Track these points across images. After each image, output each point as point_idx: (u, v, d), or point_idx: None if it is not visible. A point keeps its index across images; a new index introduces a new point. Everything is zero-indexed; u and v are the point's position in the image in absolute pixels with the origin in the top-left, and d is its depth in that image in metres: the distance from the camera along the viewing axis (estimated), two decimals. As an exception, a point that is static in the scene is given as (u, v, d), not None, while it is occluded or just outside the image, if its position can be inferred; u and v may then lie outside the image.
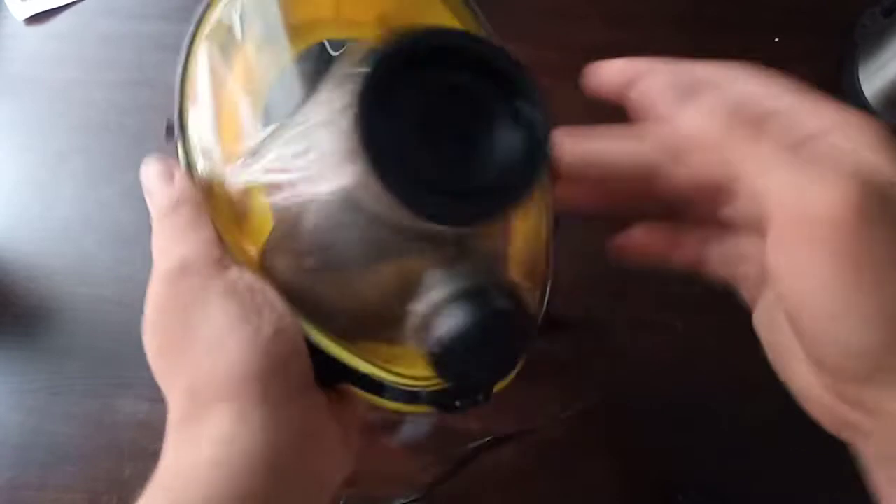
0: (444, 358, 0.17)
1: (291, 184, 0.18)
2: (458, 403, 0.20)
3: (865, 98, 0.39)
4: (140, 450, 0.34)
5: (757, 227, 0.16)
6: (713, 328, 0.33)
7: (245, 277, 0.18)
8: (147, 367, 0.37)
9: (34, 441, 0.34)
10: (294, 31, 0.21)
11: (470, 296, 0.17)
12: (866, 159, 0.15)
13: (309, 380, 0.18)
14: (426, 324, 0.17)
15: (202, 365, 0.17)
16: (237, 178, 0.20)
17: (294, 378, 0.17)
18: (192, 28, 0.23)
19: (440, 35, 0.17)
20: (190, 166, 0.21)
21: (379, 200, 0.16)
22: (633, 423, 0.34)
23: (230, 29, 0.22)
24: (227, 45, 0.22)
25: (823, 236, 0.14)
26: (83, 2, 0.41)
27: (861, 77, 0.39)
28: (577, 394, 0.34)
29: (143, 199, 0.40)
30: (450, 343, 0.17)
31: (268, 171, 0.19)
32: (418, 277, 0.18)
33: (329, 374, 0.19)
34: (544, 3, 0.41)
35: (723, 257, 0.19)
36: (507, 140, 0.17)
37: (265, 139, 0.20)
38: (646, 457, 0.34)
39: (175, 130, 0.22)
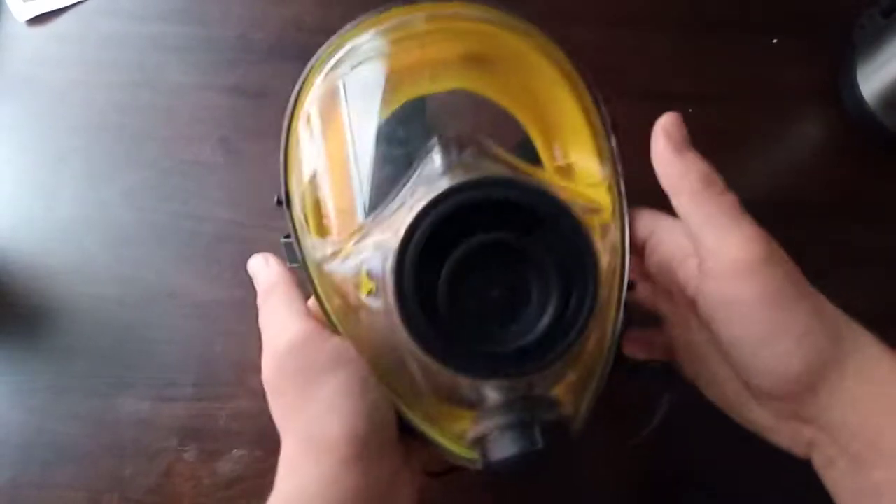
0: (491, 469, 0.20)
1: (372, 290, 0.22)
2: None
3: (863, 99, 0.39)
4: (141, 449, 0.34)
5: (677, 319, 0.24)
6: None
7: (345, 349, 0.22)
8: (148, 368, 0.37)
9: (36, 440, 0.34)
10: (389, 85, 0.24)
11: (516, 429, 0.19)
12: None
13: (395, 437, 0.23)
14: (479, 441, 0.21)
15: (318, 422, 0.21)
16: (337, 267, 0.24)
17: (386, 438, 0.22)
18: (290, 103, 0.24)
19: (491, 188, 0.18)
20: (297, 237, 0.24)
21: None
22: (634, 421, 0.34)
23: (332, 94, 0.24)
24: (326, 111, 0.24)
25: (743, 273, 0.20)
26: (85, 3, 0.41)
27: (859, 78, 0.39)
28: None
29: (144, 200, 0.41)
30: (496, 466, 0.20)
31: (355, 269, 0.23)
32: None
33: (403, 429, 0.23)
34: (545, 5, 0.42)
35: (661, 347, 0.26)
36: (547, 300, 0.18)
37: (358, 236, 0.23)
38: (648, 455, 0.34)
39: (283, 203, 0.25)
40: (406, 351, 0.21)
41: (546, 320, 0.19)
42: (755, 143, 0.40)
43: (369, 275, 0.22)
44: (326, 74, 0.24)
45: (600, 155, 0.25)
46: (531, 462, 0.19)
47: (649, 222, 0.24)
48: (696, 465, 0.34)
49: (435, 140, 0.23)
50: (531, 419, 0.20)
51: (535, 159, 0.24)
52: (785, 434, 0.22)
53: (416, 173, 0.22)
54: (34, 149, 0.39)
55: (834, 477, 0.21)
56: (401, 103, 0.24)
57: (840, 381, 0.20)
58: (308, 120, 0.24)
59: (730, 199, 0.21)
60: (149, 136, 0.39)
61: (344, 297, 0.24)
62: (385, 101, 0.24)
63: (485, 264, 0.18)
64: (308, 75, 0.24)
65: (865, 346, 0.20)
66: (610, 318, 0.23)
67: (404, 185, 0.23)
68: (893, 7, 0.39)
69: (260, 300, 0.25)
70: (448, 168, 0.21)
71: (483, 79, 0.25)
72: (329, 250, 0.24)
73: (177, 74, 0.40)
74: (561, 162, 0.25)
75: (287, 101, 0.25)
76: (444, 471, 0.33)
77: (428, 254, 0.17)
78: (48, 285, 0.36)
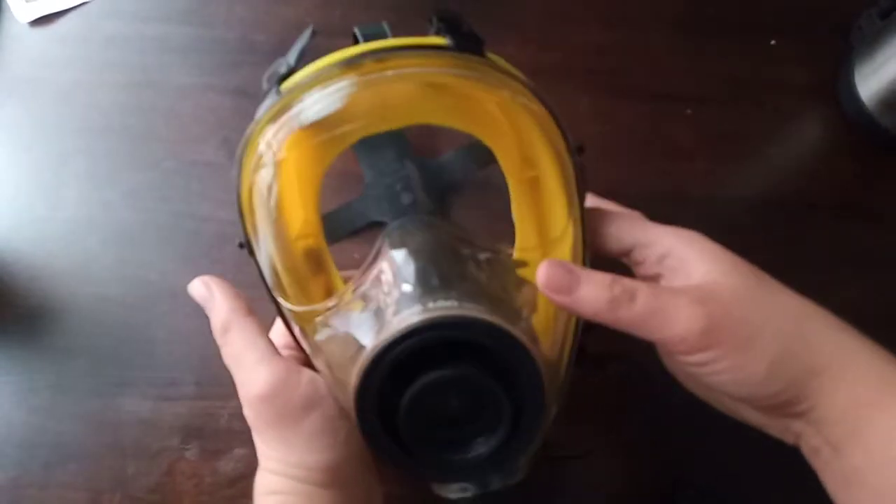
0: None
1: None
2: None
3: (861, 100, 0.39)
4: (143, 448, 0.34)
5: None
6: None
7: (315, 390, 0.23)
8: (150, 367, 0.37)
9: (37, 440, 0.34)
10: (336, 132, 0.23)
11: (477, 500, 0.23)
12: (696, 271, 0.22)
13: (368, 461, 0.24)
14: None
15: (297, 455, 0.23)
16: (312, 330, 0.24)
17: (358, 464, 0.24)
18: (238, 152, 0.24)
19: (450, 329, 0.19)
20: (264, 279, 0.25)
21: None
22: (632, 422, 0.34)
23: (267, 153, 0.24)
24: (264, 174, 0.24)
25: (693, 348, 0.21)
26: (87, 4, 0.41)
27: (857, 79, 0.40)
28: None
29: (146, 200, 0.41)
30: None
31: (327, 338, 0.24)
32: None
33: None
34: (546, 6, 0.42)
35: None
36: (499, 420, 0.20)
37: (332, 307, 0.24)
38: (645, 457, 0.34)
39: (246, 248, 0.25)
40: None
41: (493, 442, 0.21)
42: (753, 144, 0.40)
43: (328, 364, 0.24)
44: (270, 132, 0.23)
45: (568, 197, 0.24)
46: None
47: (628, 235, 0.24)
48: (693, 465, 0.34)
49: (387, 239, 0.24)
50: (485, 494, 0.23)
51: (489, 160, 0.25)
52: (774, 427, 0.24)
53: (369, 273, 0.23)
54: (37, 149, 0.39)
55: (819, 463, 0.22)
56: (350, 144, 0.24)
57: (821, 383, 0.21)
58: (254, 184, 0.24)
59: (640, 301, 0.21)
60: (151, 137, 0.39)
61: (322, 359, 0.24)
62: (333, 145, 0.24)
63: (441, 389, 0.20)
64: (253, 133, 0.24)
65: (841, 346, 0.21)
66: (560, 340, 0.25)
67: (361, 276, 0.24)
68: (891, 8, 0.39)
69: (217, 337, 0.25)
70: (412, 289, 0.21)
71: (441, 110, 0.24)
72: (290, 316, 0.25)
73: (179, 75, 0.40)
74: (529, 175, 0.25)
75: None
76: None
77: (386, 386, 0.20)
78: (50, 285, 0.36)
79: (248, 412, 0.24)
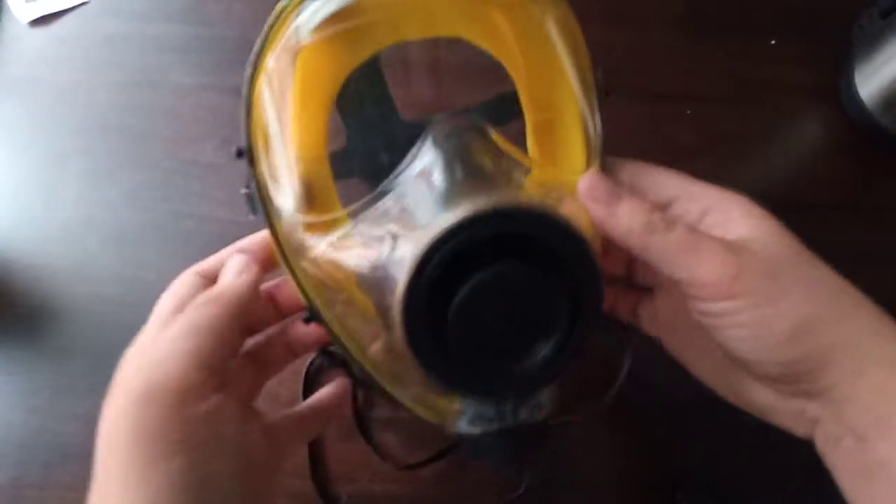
0: (476, 459, 0.22)
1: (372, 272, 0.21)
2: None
3: (861, 100, 0.39)
4: (142, 448, 0.34)
5: (668, 291, 0.24)
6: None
7: (196, 431, 0.20)
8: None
9: (37, 440, 0.34)
10: (360, 29, 0.22)
11: (501, 437, 0.21)
12: (737, 229, 0.21)
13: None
14: (465, 438, 0.22)
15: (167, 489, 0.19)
16: (314, 243, 0.22)
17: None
18: (255, 51, 0.23)
19: (502, 222, 0.18)
20: (262, 198, 0.23)
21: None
22: (632, 421, 0.34)
23: (294, 44, 0.22)
24: (287, 65, 0.22)
25: (720, 294, 0.20)
26: (86, 4, 0.41)
27: (857, 79, 0.39)
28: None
29: (146, 200, 0.41)
30: (482, 461, 0.22)
31: (353, 258, 0.22)
32: None
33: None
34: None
35: (648, 315, 0.26)
36: (552, 326, 0.19)
37: (342, 230, 0.22)
38: (646, 455, 0.34)
39: (245, 157, 0.23)
40: (402, 356, 0.20)
41: (550, 345, 0.19)
42: (753, 143, 0.40)
43: (358, 280, 0.21)
44: (297, 15, 0.21)
45: (587, 139, 0.24)
46: (513, 461, 0.23)
47: (672, 185, 0.23)
48: (693, 464, 0.34)
49: (430, 136, 0.22)
50: (514, 425, 0.21)
51: (514, 113, 0.24)
52: (787, 413, 0.22)
53: (409, 169, 0.22)
54: (36, 149, 0.39)
55: (837, 454, 0.21)
56: (373, 52, 0.23)
57: (847, 359, 0.20)
58: (271, 73, 0.22)
59: (678, 232, 0.20)
60: (150, 136, 0.39)
61: (325, 276, 0.23)
62: (356, 46, 0.22)
63: (492, 291, 0.18)
64: (281, 15, 0.22)
65: (874, 323, 0.20)
66: None
67: (395, 179, 0.22)
68: (892, 8, 0.39)
69: (197, 299, 0.23)
70: (450, 189, 0.20)
71: (474, 23, 0.23)
72: (301, 225, 0.23)
73: (179, 75, 0.40)
74: (545, 116, 0.24)
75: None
76: (420, 462, 0.33)
77: (437, 288, 0.18)
78: (49, 285, 0.36)
79: (111, 412, 0.21)
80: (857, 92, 0.39)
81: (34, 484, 0.33)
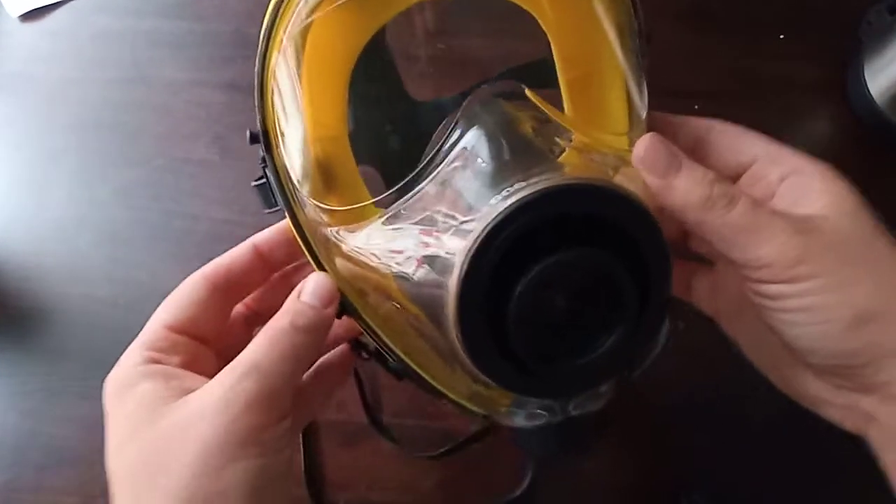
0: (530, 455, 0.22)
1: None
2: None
3: (870, 95, 0.38)
4: (136, 452, 0.33)
5: (729, 265, 0.20)
6: (716, 329, 0.33)
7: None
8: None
9: (30, 443, 0.34)
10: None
11: (558, 429, 0.20)
12: (815, 201, 0.20)
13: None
14: (518, 430, 0.21)
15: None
16: (344, 236, 0.20)
17: None
18: (267, 23, 0.21)
19: (568, 201, 0.16)
20: (282, 184, 0.21)
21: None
22: (636, 426, 0.34)
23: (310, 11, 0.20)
24: (301, 38, 0.20)
25: (781, 275, 0.18)
26: (78, -2, 0.41)
27: (866, 74, 0.39)
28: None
29: (137, 199, 0.40)
30: (537, 457, 0.21)
31: (388, 252, 0.20)
32: None
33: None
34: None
35: (704, 290, 0.24)
36: (617, 316, 0.17)
37: (378, 218, 0.20)
38: (649, 459, 0.34)
39: (260, 142, 0.21)
40: (448, 352, 0.19)
41: (617, 335, 0.17)
42: (760, 141, 0.40)
43: (397, 277, 0.19)
44: None
45: (629, 100, 0.22)
46: (569, 456, 0.20)
47: (752, 145, 0.21)
48: (697, 469, 0.33)
49: (468, 115, 0.20)
50: (571, 418, 0.19)
51: (550, 79, 0.22)
52: (839, 407, 0.21)
53: (446, 149, 0.20)
54: (26, 146, 0.38)
55: (894, 453, 0.19)
56: (391, 16, 0.21)
57: None
58: (285, 51, 0.20)
59: (738, 211, 0.19)
60: (142, 133, 0.38)
61: (356, 267, 0.21)
62: (372, 12, 0.21)
63: (555, 280, 0.16)
64: None
65: None
66: None
67: (432, 160, 0.20)
68: (901, 2, 0.39)
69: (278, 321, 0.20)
70: (498, 168, 0.18)
71: None
72: (324, 214, 0.21)
73: (171, 71, 0.39)
74: (581, 71, 0.22)
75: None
76: (440, 452, 0.32)
77: (494, 281, 0.16)
78: (41, 286, 0.36)
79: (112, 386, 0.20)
80: (865, 88, 0.39)
81: (28, 487, 0.33)
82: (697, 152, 0.21)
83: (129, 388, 0.21)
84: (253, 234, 0.36)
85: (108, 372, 0.35)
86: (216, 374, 0.20)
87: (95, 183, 0.37)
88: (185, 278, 0.34)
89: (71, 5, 0.41)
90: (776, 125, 0.40)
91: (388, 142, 0.30)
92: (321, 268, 0.21)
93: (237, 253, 0.24)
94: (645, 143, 0.19)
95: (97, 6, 0.40)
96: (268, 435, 0.19)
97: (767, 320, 0.20)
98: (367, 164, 0.30)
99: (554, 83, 0.23)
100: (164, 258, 0.36)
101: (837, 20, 0.41)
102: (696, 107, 0.39)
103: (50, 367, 0.35)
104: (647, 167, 0.19)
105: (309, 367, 0.23)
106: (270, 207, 0.21)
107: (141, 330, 0.35)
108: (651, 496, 0.34)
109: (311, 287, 0.20)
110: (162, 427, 0.19)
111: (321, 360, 0.26)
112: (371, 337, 0.21)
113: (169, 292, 0.36)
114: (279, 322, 0.20)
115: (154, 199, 0.37)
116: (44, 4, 0.40)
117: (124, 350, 0.36)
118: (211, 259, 0.36)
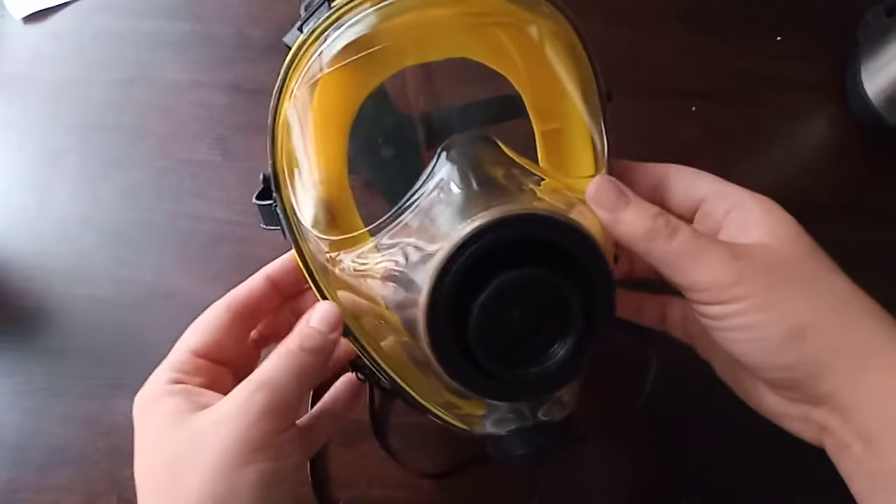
0: (502, 461, 0.23)
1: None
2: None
3: (868, 96, 0.39)
4: (138, 451, 0.33)
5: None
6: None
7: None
8: (144, 369, 0.37)
9: (32, 442, 0.34)
10: (377, 55, 0.23)
11: (525, 433, 0.22)
12: (754, 230, 0.22)
13: None
14: (491, 437, 0.23)
15: None
16: (346, 266, 0.23)
17: None
18: (279, 82, 0.23)
19: (522, 227, 0.19)
20: (288, 219, 0.24)
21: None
22: (637, 430, 0.34)
23: (316, 69, 0.23)
24: (309, 91, 0.23)
25: (718, 297, 0.20)
26: (81, 0, 0.41)
27: (863, 75, 0.39)
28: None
29: (140, 199, 0.40)
30: (507, 460, 0.23)
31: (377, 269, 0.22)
32: None
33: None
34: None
35: (677, 319, 0.27)
36: (568, 327, 0.20)
37: (363, 246, 0.23)
38: (648, 462, 0.34)
39: (271, 186, 0.24)
40: (425, 364, 0.21)
41: (567, 346, 0.20)
42: (758, 141, 0.40)
43: (382, 293, 0.22)
44: (318, 47, 0.23)
45: (592, 144, 0.25)
46: (538, 457, 0.22)
47: (704, 185, 0.24)
48: (697, 473, 0.34)
49: (445, 153, 0.23)
50: (539, 423, 0.22)
51: (518, 113, 0.25)
52: (795, 419, 0.22)
53: (426, 184, 0.23)
54: (29, 147, 0.38)
55: (848, 463, 0.21)
56: (388, 76, 0.24)
57: (846, 365, 0.20)
58: (295, 103, 0.23)
59: (679, 239, 0.21)
60: (145, 134, 0.38)
61: (351, 291, 0.24)
62: (372, 72, 0.24)
63: (511, 294, 0.19)
64: (302, 47, 0.23)
65: (884, 329, 0.20)
66: None
67: (413, 195, 0.23)
68: (898, 4, 0.39)
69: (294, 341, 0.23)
70: (466, 199, 0.21)
71: (480, 44, 0.24)
72: (326, 244, 0.24)
73: (174, 72, 0.39)
74: (551, 126, 0.25)
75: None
76: (443, 472, 0.33)
77: (458, 295, 0.19)
78: (43, 286, 0.36)
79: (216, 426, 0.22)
80: (863, 89, 0.39)
81: (29, 486, 0.33)
82: (657, 193, 0.24)
83: (154, 404, 0.23)
84: (254, 234, 0.36)
85: (111, 371, 0.36)
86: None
87: (98, 183, 0.38)
88: (188, 279, 0.35)
89: (74, 7, 0.41)
90: (773, 126, 0.40)
91: (381, 152, 0.33)
92: (321, 294, 0.24)
93: (253, 283, 0.27)
94: (596, 183, 0.22)
95: (100, 8, 0.41)
96: (278, 440, 0.22)
97: (716, 340, 0.22)
98: (363, 174, 0.31)
99: (519, 115, 0.26)
100: (167, 258, 0.36)
101: (836, 21, 0.41)
102: (694, 108, 0.40)
103: (52, 366, 0.35)
104: (597, 203, 0.22)
105: (315, 384, 0.26)
106: (268, 225, 0.25)
107: (140, 330, 0.35)
108: (650, 499, 0.34)
109: (319, 314, 0.23)
110: (184, 435, 0.22)
111: (330, 393, 0.29)
112: (365, 358, 0.25)
113: (171, 292, 0.36)
114: (289, 344, 0.22)
115: (157, 199, 0.37)
116: (46, 6, 0.41)
117: (127, 349, 0.36)
118: (213, 259, 0.36)
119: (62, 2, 0.41)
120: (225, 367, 0.26)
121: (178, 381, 0.24)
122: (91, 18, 0.40)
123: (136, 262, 0.36)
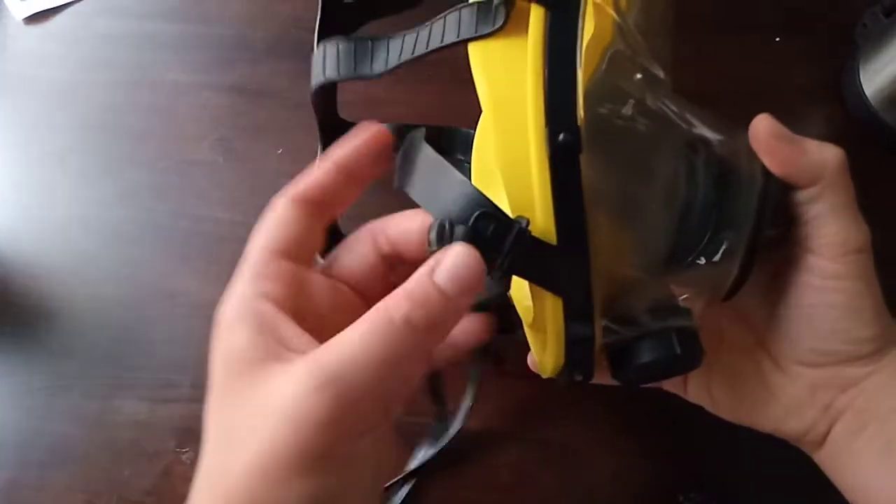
0: (630, 373, 0.23)
1: None
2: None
3: (866, 98, 0.39)
4: (139, 450, 0.33)
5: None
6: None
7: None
8: (146, 368, 0.37)
9: (34, 441, 0.34)
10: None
11: (656, 337, 0.22)
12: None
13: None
14: (615, 347, 0.23)
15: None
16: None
17: None
18: None
19: None
20: None
21: None
22: (634, 423, 0.34)
23: None
24: None
25: (850, 257, 0.23)
26: (82, 1, 0.41)
27: (862, 77, 0.39)
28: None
29: (142, 200, 0.41)
30: (635, 371, 0.23)
31: None
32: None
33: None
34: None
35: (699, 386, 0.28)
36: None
37: None
38: (647, 457, 0.34)
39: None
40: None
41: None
42: (757, 143, 0.40)
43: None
44: None
45: None
46: (668, 368, 0.22)
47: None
48: (696, 466, 0.34)
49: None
50: (669, 327, 0.22)
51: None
52: (807, 416, 0.24)
53: None
54: (31, 148, 0.39)
55: (857, 444, 0.22)
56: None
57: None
58: None
59: (853, 189, 0.23)
60: (146, 135, 0.39)
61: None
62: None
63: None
64: None
65: None
66: None
67: None
68: (896, 5, 0.39)
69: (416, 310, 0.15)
70: None
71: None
72: None
73: (175, 73, 0.40)
74: None
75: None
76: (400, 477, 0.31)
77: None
78: (45, 285, 0.36)
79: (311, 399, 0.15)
80: (861, 90, 0.39)
81: (30, 485, 0.33)
82: (789, 168, 0.25)
83: (233, 329, 0.18)
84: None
85: (112, 370, 0.36)
86: (325, 299, 0.18)
87: (101, 184, 0.38)
88: (190, 279, 0.35)
89: (75, 8, 0.41)
90: (772, 127, 0.40)
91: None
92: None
93: (318, 172, 0.20)
94: (764, 120, 0.24)
95: (101, 9, 0.41)
96: (347, 452, 0.16)
97: (804, 305, 0.23)
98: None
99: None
100: (170, 258, 0.37)
101: (834, 22, 0.41)
102: (694, 109, 0.40)
103: (54, 365, 0.35)
104: (772, 137, 0.24)
105: (416, 383, 0.18)
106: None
107: (142, 329, 0.35)
108: (648, 494, 0.34)
109: (451, 264, 0.15)
110: (240, 403, 0.17)
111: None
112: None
113: (174, 292, 0.36)
114: (390, 312, 0.15)
115: (159, 200, 0.37)
116: (48, 7, 0.41)
117: (128, 349, 0.36)
118: (214, 260, 0.36)
119: (63, 3, 0.41)
120: (307, 266, 0.20)
121: (262, 294, 0.18)
122: (92, 20, 0.41)
123: (137, 263, 0.36)
